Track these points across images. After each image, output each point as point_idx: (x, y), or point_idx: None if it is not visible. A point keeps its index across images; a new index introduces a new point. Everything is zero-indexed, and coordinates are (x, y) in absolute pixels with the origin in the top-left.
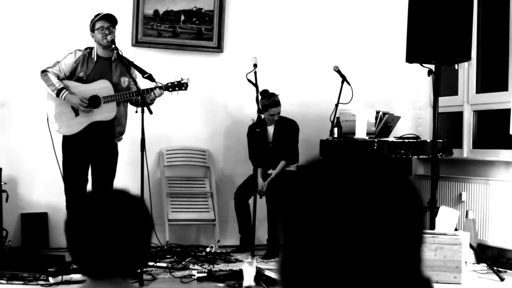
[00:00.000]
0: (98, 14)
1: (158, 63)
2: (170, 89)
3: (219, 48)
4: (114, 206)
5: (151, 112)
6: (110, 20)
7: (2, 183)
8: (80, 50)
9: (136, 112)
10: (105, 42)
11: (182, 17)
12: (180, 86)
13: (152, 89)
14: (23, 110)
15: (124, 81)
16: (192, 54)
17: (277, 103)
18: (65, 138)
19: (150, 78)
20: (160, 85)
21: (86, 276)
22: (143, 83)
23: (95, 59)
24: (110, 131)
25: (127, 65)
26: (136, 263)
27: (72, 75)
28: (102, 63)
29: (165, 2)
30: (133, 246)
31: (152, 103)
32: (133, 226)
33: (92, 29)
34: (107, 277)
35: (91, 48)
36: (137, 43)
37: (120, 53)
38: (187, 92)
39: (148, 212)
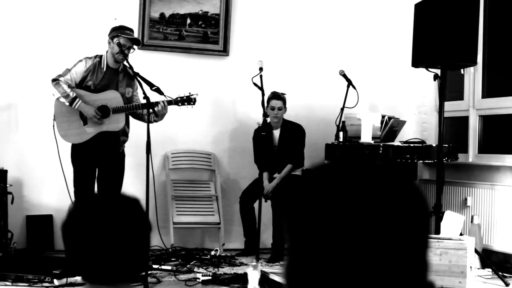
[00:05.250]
0: (126, 29)
1: (164, 66)
2: (179, 104)
3: (225, 51)
4: (110, 209)
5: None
6: (135, 43)
7: (7, 185)
8: (89, 58)
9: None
10: (120, 59)
11: (188, 20)
12: (188, 101)
13: (159, 103)
14: (29, 112)
15: (129, 91)
16: (198, 57)
17: (278, 96)
18: (74, 147)
19: (158, 91)
20: (168, 99)
21: (87, 282)
22: (152, 97)
23: (104, 69)
24: (116, 141)
25: (133, 77)
26: (136, 266)
27: (80, 83)
28: (111, 74)
29: (171, 5)
30: (132, 248)
31: (161, 119)
32: (130, 228)
33: (112, 38)
34: (107, 282)
35: (101, 56)
36: (143, 46)
37: (129, 65)
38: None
39: (145, 213)
